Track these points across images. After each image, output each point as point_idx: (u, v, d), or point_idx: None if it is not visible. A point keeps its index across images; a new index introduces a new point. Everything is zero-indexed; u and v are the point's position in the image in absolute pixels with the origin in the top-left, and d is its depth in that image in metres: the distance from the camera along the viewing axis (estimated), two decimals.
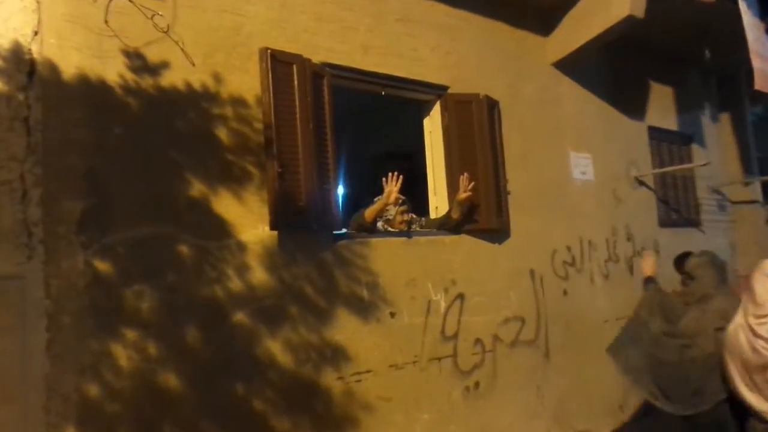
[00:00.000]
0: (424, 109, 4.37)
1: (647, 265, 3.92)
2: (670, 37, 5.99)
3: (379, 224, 3.85)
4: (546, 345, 4.54)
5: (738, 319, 2.79)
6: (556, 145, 5.04)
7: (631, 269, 5.49)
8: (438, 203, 4.26)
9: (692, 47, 6.43)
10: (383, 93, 3.99)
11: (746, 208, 7.14)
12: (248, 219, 3.07)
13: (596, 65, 5.60)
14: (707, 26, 5.85)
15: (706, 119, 7.07)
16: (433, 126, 4.31)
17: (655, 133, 6.17)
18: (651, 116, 6.15)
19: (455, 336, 3.92)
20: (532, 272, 4.54)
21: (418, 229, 4.02)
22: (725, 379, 2.88)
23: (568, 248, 4.89)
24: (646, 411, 4.77)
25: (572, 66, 5.21)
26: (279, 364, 3.06)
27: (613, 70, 5.75)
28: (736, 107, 7.26)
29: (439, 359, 3.81)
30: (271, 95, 3.12)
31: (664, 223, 6.06)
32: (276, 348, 3.06)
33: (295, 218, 3.13)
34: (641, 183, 5.83)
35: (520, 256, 4.48)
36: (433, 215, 4.26)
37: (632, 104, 5.94)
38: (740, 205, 7.15)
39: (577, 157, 5.18)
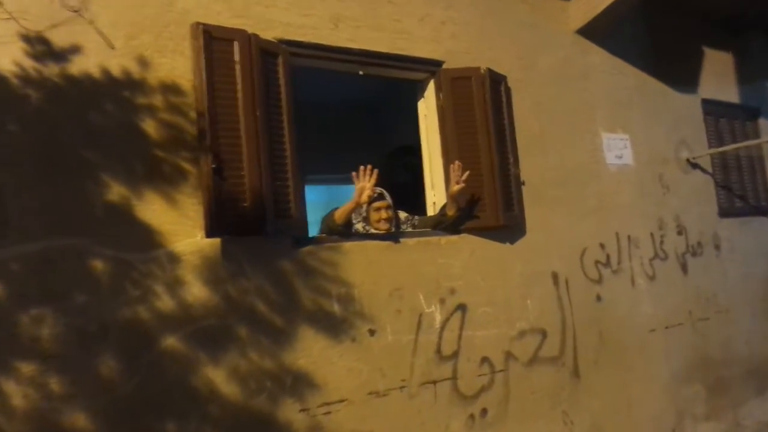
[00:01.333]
0: (417, 90, 3.78)
1: None
2: None
3: (359, 226, 3.30)
4: (574, 361, 3.83)
5: None
6: (584, 125, 4.31)
7: (684, 267, 4.66)
8: (436, 198, 3.67)
9: (755, 4, 5.46)
10: (360, 72, 3.44)
11: None
12: (183, 226, 2.61)
13: (633, 31, 4.81)
14: None
15: None
16: (428, 109, 3.72)
17: (711, 107, 5.27)
18: (705, 88, 5.26)
19: (455, 355, 3.31)
20: (554, 275, 3.84)
21: (410, 229, 3.44)
22: None
23: (602, 246, 4.15)
24: None
25: (602, 33, 4.46)
26: (222, 396, 2.57)
27: (655, 36, 4.93)
28: None
29: (435, 383, 3.21)
30: (204, 78, 2.64)
31: (727, 212, 5.15)
32: (219, 377, 2.57)
33: (239, 222, 2.64)
34: (695, 166, 4.97)
35: (539, 256, 3.80)
36: (431, 212, 3.66)
37: (681, 75, 5.09)
38: None
39: (611, 139, 4.42)
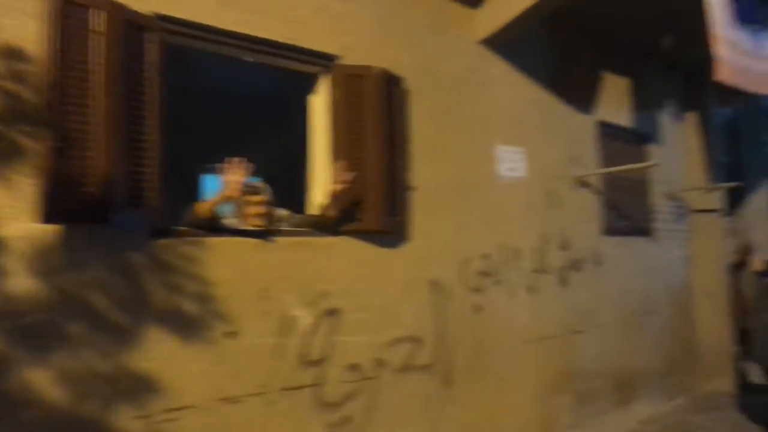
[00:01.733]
0: (310, 84, 3.63)
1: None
2: (627, 23, 5.30)
3: (234, 221, 3.12)
4: (447, 370, 3.84)
5: None
6: (481, 136, 4.33)
7: (564, 281, 4.81)
8: (318, 198, 3.54)
9: (653, 36, 5.74)
10: (250, 60, 3.25)
11: (706, 218, 6.49)
12: (13, 209, 2.33)
13: (537, 48, 4.89)
14: (671, 12, 5.15)
15: (666, 118, 6.40)
16: (319, 104, 3.58)
17: (605, 129, 5.48)
18: (602, 110, 5.46)
19: (323, 360, 3.21)
20: (435, 283, 3.83)
21: (287, 227, 3.29)
22: None
23: (486, 256, 4.20)
24: None
25: (507, 45, 4.49)
26: (43, 400, 2.33)
27: (558, 55, 5.05)
28: (701, 107, 6.59)
29: (297, 389, 3.10)
30: (56, 46, 2.36)
31: (610, 231, 5.38)
32: (41, 379, 2.32)
33: (81, 208, 2.39)
34: (584, 184, 5.15)
35: (421, 263, 3.77)
36: (312, 213, 3.54)
37: (579, 95, 5.25)
38: (701, 214, 6.51)
39: (506, 151, 4.47)
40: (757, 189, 7.79)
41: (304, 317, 3.15)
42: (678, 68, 6.45)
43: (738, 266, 7.19)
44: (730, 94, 5.84)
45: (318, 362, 3.19)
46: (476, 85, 4.34)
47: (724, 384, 6.29)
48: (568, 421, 4.68)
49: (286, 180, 3.78)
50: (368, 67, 3.50)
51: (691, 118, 6.61)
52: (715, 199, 6.48)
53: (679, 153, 6.45)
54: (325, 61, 3.48)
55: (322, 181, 3.49)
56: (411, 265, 3.70)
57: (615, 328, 5.29)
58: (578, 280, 4.94)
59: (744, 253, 7.28)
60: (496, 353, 4.19)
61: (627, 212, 5.69)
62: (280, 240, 3.14)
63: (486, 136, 4.36)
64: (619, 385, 5.26)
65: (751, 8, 5.24)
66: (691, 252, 6.45)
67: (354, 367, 3.34)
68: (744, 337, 6.99)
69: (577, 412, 4.77)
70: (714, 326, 6.41)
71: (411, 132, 3.80)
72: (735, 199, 7.56)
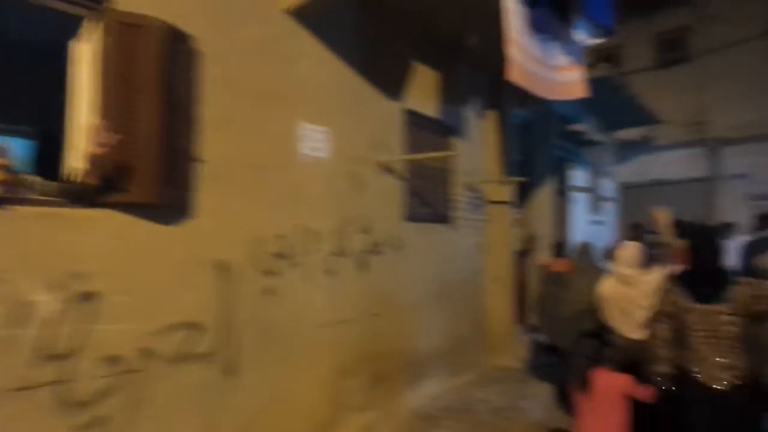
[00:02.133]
0: (73, 29, 3.08)
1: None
2: (436, 17, 5.46)
3: None
4: (232, 358, 3.59)
5: (610, 279, 4.07)
6: (283, 111, 4.11)
7: (364, 265, 4.83)
8: (77, 163, 3.03)
9: (460, 33, 6.01)
10: None
11: (499, 209, 7.06)
12: None
13: (348, 29, 4.80)
14: (476, 12, 5.41)
15: (472, 114, 6.81)
16: (83, 53, 3.05)
17: (413, 118, 5.61)
18: (410, 99, 5.58)
19: (71, 353, 2.75)
20: (221, 265, 3.54)
21: (30, 196, 2.74)
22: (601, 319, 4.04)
23: (282, 237, 4.01)
24: None
25: (314, 20, 4.32)
26: None
27: (369, 39, 5.01)
28: (501, 106, 7.13)
29: (34, 388, 2.61)
30: None
31: (412, 217, 5.55)
32: None
33: None
34: (389, 170, 5.22)
35: (206, 243, 3.45)
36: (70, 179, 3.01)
37: (388, 82, 5.29)
38: (494, 205, 7.05)
39: (309, 130, 4.31)
40: (543, 185, 8.71)
41: (46, 303, 2.65)
42: (483, 68, 6.86)
43: (523, 253, 7.99)
44: (526, 97, 6.37)
45: (64, 355, 2.72)
46: (280, 56, 4.10)
47: (509, 359, 6.93)
48: (360, 403, 4.72)
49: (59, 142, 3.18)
50: (148, 17, 3.06)
51: (492, 116, 7.11)
52: (508, 192, 7.07)
53: (479, 147, 6.90)
54: (92, 2, 2.96)
55: (83, 144, 2.98)
56: (193, 243, 3.36)
57: (411, 310, 5.48)
58: (378, 264, 5.00)
59: (529, 242, 8.11)
60: (289, 338, 4.03)
61: (429, 200, 5.92)
62: (21, 210, 2.61)
63: (288, 112, 4.15)
64: (413, 365, 5.47)
65: (543, 19, 5.72)
66: (485, 240, 6.97)
67: (113, 359, 2.92)
68: (523, 314, 7.80)
69: (369, 393, 4.84)
70: (501, 307, 7.02)
71: (200, 99, 3.44)
72: (524, 193, 8.37)
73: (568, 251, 6.66)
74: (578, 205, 10.75)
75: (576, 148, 10.25)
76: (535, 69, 5.41)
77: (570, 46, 6.36)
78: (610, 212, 12.83)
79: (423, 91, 5.82)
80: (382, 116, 5.19)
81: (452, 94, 6.27)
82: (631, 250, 4.06)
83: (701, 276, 2.92)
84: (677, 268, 3.83)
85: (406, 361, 5.38)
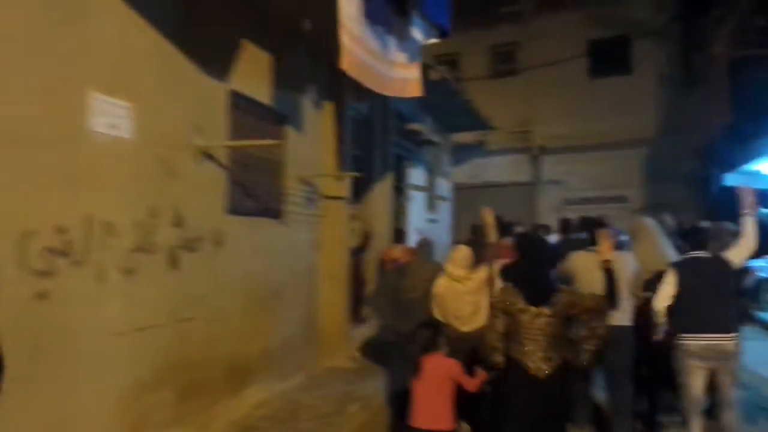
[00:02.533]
0: None
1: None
2: None
3: None
4: None
5: (443, 277, 4.49)
6: (69, 75, 3.40)
7: (174, 263, 4.26)
8: None
9: (299, 18, 5.67)
10: None
11: (334, 204, 6.84)
12: None
13: None
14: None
15: (309, 104, 6.49)
16: None
17: (240, 101, 5.13)
18: (238, 80, 5.09)
19: None
20: None
21: None
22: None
23: (62, 229, 3.31)
24: None
25: None
26: None
27: (193, 7, 4.44)
28: (339, 98, 6.91)
29: None
30: None
31: (237, 210, 5.07)
32: None
33: None
34: (209, 156, 4.69)
35: None
36: None
37: (214, 59, 4.76)
38: (329, 200, 6.81)
39: (105, 103, 3.64)
40: (380, 182, 8.68)
41: None
42: (321, 56, 6.58)
43: (359, 250, 7.88)
44: (364, 91, 6.19)
45: None
46: (69, 11, 3.39)
47: (342, 359, 6.73)
48: (166, 419, 4.15)
49: None
50: None
51: (329, 108, 6.85)
52: (344, 187, 6.87)
53: (315, 139, 6.61)
54: None
55: None
56: None
57: (233, 312, 5.00)
58: (193, 262, 4.45)
59: (365, 238, 8.01)
60: (69, 351, 3.36)
61: (257, 192, 5.48)
62: None
63: (76, 78, 3.46)
64: (234, 371, 5.00)
65: (379, 10, 5.56)
66: (319, 236, 6.70)
67: None
68: (359, 311, 7.71)
69: (178, 407, 4.29)
70: (335, 306, 6.80)
71: None
72: (361, 190, 8.28)
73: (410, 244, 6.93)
74: (415, 204, 10.99)
75: (414, 147, 10.46)
76: (370, 61, 5.24)
77: (407, 43, 6.32)
78: (445, 211, 13.38)
79: (253, 74, 5.36)
80: (203, 96, 4.64)
81: (287, 81, 5.89)
82: (462, 252, 4.53)
83: (533, 281, 3.33)
84: (500, 263, 4.34)
85: (227, 368, 4.89)
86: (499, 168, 15.90)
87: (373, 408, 5.11)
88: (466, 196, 15.00)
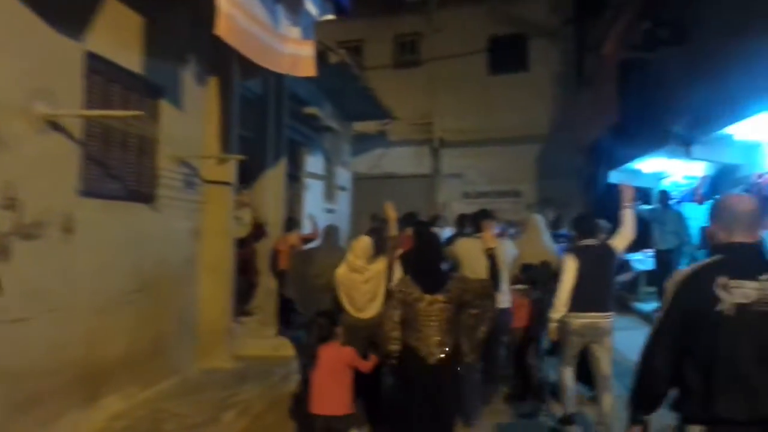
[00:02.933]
0: None
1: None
2: None
3: None
4: None
5: (344, 266, 4.60)
6: None
7: (5, 253, 3.53)
8: None
9: None
10: None
11: (218, 189, 6.22)
12: None
13: None
14: None
15: (190, 77, 5.82)
16: None
17: (99, 65, 4.41)
18: (98, 41, 4.36)
19: None
20: None
21: None
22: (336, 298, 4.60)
23: None
24: None
25: None
26: None
27: None
28: (226, 73, 6.28)
29: None
30: None
31: (94, 192, 4.36)
32: None
33: None
34: (57, 127, 3.96)
35: None
36: None
37: (66, 12, 4.02)
38: (213, 185, 6.19)
39: None
40: (274, 168, 8.12)
41: None
42: (206, 25, 5.91)
43: (250, 239, 7.31)
44: (256, 67, 5.64)
45: None
46: None
47: (221, 359, 6.16)
48: None
49: None
50: None
51: (215, 83, 6.21)
52: (229, 171, 6.27)
53: (196, 117, 5.96)
54: None
55: None
56: None
57: (86, 310, 4.31)
58: (31, 252, 3.73)
59: (256, 227, 7.45)
60: None
61: (122, 172, 4.78)
62: None
63: None
64: (87, 379, 4.31)
65: None
66: (199, 224, 6.07)
67: None
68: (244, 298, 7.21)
69: (8, 425, 3.57)
70: (216, 301, 6.21)
71: None
72: (252, 175, 7.70)
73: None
74: (312, 192, 10.53)
75: (312, 133, 9.98)
76: (254, 30, 4.74)
77: (300, 17, 5.86)
78: (344, 201, 13.03)
79: (119, 36, 4.64)
80: (49, 55, 3.90)
81: (163, 49, 5.21)
82: (363, 243, 4.66)
83: (427, 271, 3.50)
84: (399, 253, 4.57)
85: (77, 376, 4.20)
86: (400, 159, 15.78)
87: (252, 414, 4.66)
88: (366, 186, 14.78)
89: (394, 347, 3.42)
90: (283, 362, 6.45)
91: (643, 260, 9.14)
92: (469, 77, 15.12)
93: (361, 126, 14.77)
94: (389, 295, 3.58)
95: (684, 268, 2.13)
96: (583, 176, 13.89)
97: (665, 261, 8.37)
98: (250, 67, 6.04)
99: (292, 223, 8.28)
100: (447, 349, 3.36)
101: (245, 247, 7.22)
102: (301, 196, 9.88)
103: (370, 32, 15.70)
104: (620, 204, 4.48)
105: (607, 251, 4.44)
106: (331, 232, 5.71)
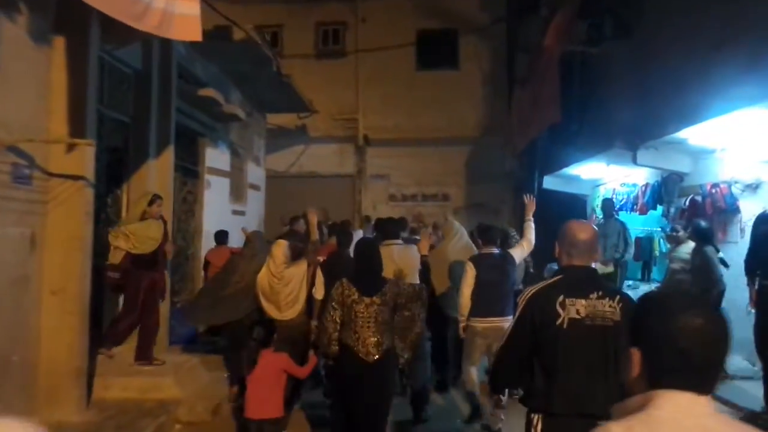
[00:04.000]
0: None
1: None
2: None
3: None
4: None
5: (264, 269, 4.83)
6: None
7: None
8: None
9: None
10: None
11: (68, 185, 4.70)
12: None
13: None
14: None
15: (22, 34, 4.31)
16: None
17: None
18: None
19: None
20: None
21: None
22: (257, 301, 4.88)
23: None
24: None
25: None
26: None
27: None
28: (79, 32, 4.76)
29: None
30: None
31: None
32: None
33: None
34: None
35: None
36: None
37: None
38: (59, 180, 4.68)
39: None
40: (162, 161, 6.61)
41: None
42: None
43: (159, 259, 5.81)
44: (128, 29, 4.23)
45: None
46: None
47: (70, 410, 4.66)
48: None
49: None
50: None
51: (61, 45, 4.67)
52: (84, 161, 4.76)
53: (33, 88, 4.44)
54: None
55: None
56: None
57: None
58: None
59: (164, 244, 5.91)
60: None
61: None
62: None
63: None
64: None
65: None
66: (39, 231, 4.54)
67: None
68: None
69: None
70: (61, 333, 4.68)
71: None
72: (130, 170, 6.19)
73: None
74: (216, 191, 9.03)
75: (213, 121, 8.50)
76: None
77: None
78: (256, 202, 11.55)
79: None
80: None
81: None
82: (281, 248, 4.78)
83: (365, 275, 3.66)
84: (319, 260, 4.88)
85: None
86: (322, 158, 14.51)
87: None
88: (284, 186, 13.54)
89: (335, 348, 3.55)
90: (155, 408, 5.04)
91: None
92: (396, 72, 14.12)
93: (277, 119, 13.42)
94: (330, 299, 3.69)
95: (534, 286, 2.38)
96: (515, 180, 13.24)
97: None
98: (118, 30, 4.61)
99: (222, 236, 7.47)
100: (383, 348, 3.52)
101: (156, 270, 5.71)
102: (201, 194, 8.38)
103: (289, 17, 14.33)
104: (524, 216, 5.02)
105: (505, 260, 4.85)
106: (253, 238, 5.70)
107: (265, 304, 4.70)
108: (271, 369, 3.87)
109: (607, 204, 7.77)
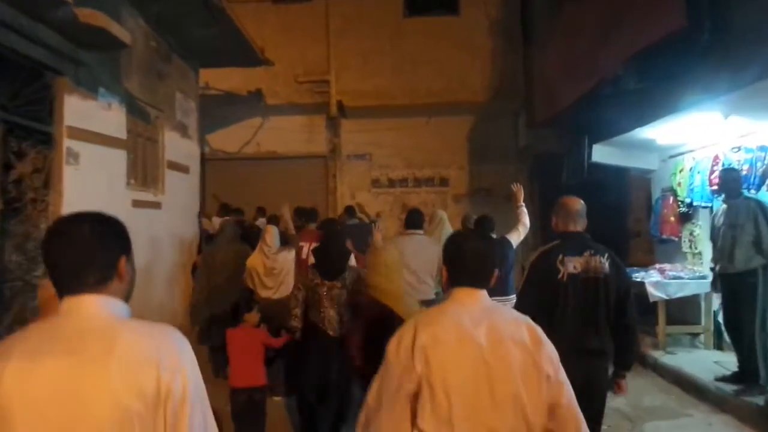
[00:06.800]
0: None
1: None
2: None
3: None
4: None
5: (257, 253, 5.41)
6: None
7: None
8: None
9: None
10: None
11: None
12: None
13: None
14: None
15: None
16: None
17: None
18: None
19: None
20: None
21: None
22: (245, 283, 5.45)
23: None
24: None
25: None
26: None
27: None
28: None
29: None
30: None
31: None
32: None
33: None
34: None
35: None
36: None
37: None
38: None
39: None
40: None
41: None
42: None
43: None
44: None
45: None
46: None
47: None
48: None
49: None
50: None
51: None
52: None
53: None
54: None
55: None
56: None
57: None
58: None
59: None
60: None
61: None
62: None
63: None
64: None
65: None
66: None
67: None
68: None
69: None
70: None
71: None
72: None
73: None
74: (94, 168, 5.68)
75: (79, 49, 5.16)
76: None
77: None
78: (184, 189, 8.19)
79: None
80: None
81: None
82: (272, 233, 5.39)
83: (330, 263, 4.07)
84: (305, 247, 5.40)
85: None
86: (285, 133, 11.31)
87: None
88: (235, 171, 10.48)
89: (295, 323, 4.04)
90: None
91: None
92: (378, 20, 10.97)
93: (223, 82, 10.23)
94: (296, 282, 4.30)
95: (537, 251, 3.19)
96: (534, 159, 10.18)
97: None
98: None
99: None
100: (343, 326, 3.94)
101: None
102: (59, 173, 5.06)
103: None
104: (514, 204, 5.26)
105: (503, 245, 4.92)
106: (225, 227, 6.11)
107: (258, 285, 5.29)
108: (253, 342, 4.21)
109: (732, 177, 4.71)
